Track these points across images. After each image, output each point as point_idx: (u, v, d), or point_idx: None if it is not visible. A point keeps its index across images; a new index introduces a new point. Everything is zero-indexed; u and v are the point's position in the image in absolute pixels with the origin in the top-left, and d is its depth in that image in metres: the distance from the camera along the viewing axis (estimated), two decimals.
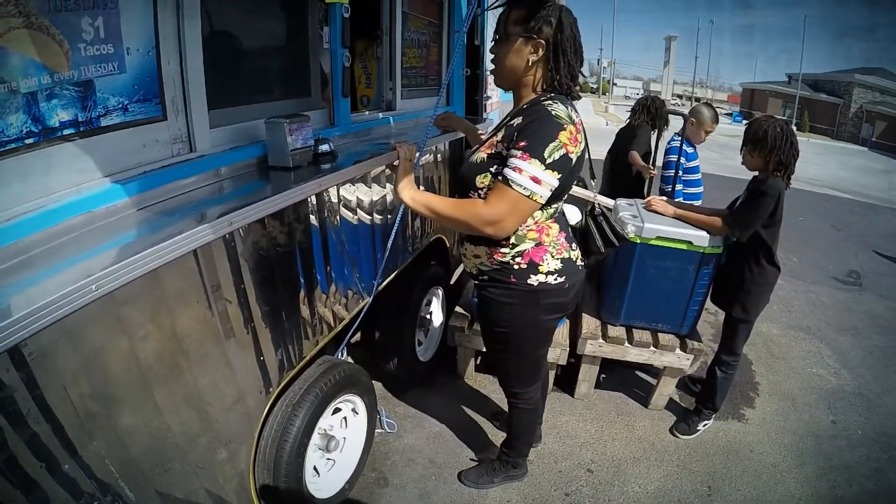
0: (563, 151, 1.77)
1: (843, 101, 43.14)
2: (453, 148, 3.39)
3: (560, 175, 1.80)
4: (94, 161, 1.52)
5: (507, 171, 1.78)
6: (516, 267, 2.03)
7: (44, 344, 1.13)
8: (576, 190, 3.26)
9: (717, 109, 4.46)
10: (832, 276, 6.61)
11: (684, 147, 4.12)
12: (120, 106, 1.58)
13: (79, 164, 1.48)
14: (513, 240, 2.00)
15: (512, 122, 1.91)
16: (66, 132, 1.43)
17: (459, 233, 2.25)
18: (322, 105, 2.63)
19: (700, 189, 4.34)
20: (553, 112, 1.79)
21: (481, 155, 1.96)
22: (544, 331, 2.27)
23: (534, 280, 2.04)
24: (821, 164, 20.39)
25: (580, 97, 2.01)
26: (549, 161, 1.76)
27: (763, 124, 2.82)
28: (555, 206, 2.02)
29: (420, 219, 3.09)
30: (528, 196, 1.78)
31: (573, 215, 2.34)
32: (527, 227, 1.99)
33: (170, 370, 1.51)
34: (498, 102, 5.73)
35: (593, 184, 2.64)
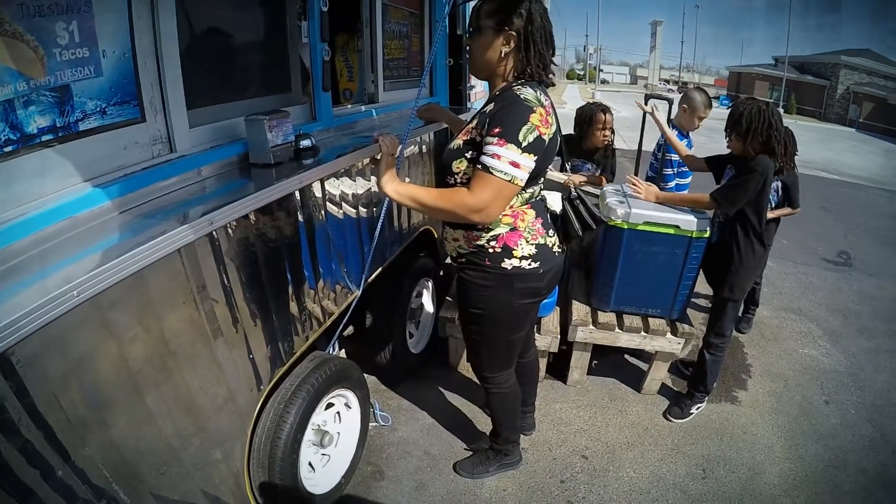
0: (536, 133, 1.82)
1: (829, 83, 43.23)
2: (438, 139, 3.39)
3: (535, 157, 1.85)
4: (75, 166, 1.52)
5: (485, 158, 1.82)
6: (491, 250, 2.07)
7: (31, 351, 1.13)
8: (553, 174, 3.27)
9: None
10: (822, 256, 6.65)
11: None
12: (98, 109, 1.57)
13: (59, 170, 1.48)
14: (489, 224, 2.03)
15: (485, 109, 1.97)
16: (44, 138, 1.44)
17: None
18: (303, 100, 2.62)
19: (688, 181, 4.20)
20: (522, 96, 1.85)
21: (458, 142, 2.01)
22: (518, 315, 2.29)
23: (507, 264, 2.08)
24: (808, 145, 20.41)
25: (554, 84, 2.06)
26: (524, 144, 1.80)
27: (740, 107, 2.87)
28: (530, 190, 2.07)
29: (407, 211, 3.09)
30: (509, 181, 1.81)
31: (555, 202, 2.36)
32: (502, 212, 2.02)
33: (159, 372, 1.50)
34: (482, 92, 5.70)
35: (568, 167, 2.65)
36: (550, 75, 2.01)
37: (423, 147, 3.23)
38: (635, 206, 3.11)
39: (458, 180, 1.99)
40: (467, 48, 2.06)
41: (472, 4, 2.14)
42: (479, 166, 1.84)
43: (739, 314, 4.36)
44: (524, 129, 1.80)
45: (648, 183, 3.38)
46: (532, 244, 2.08)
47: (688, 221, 3.03)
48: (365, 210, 2.60)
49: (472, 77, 4.43)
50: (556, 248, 2.20)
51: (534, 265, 2.10)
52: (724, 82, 61.25)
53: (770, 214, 3.54)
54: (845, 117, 40.51)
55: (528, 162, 1.83)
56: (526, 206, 2.08)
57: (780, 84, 44.21)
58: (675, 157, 4.00)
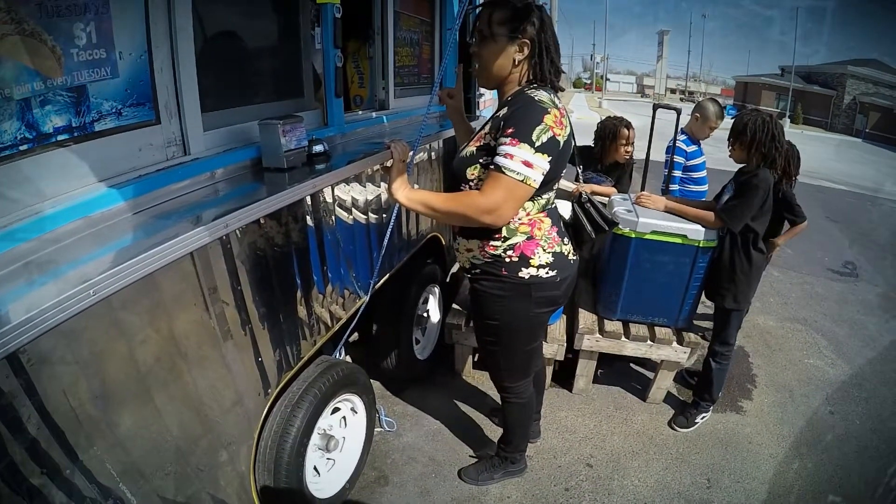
0: (550, 134, 1.81)
1: (836, 93, 43.22)
2: (447, 146, 3.39)
3: (550, 157, 1.83)
4: (89, 166, 1.53)
5: (498, 158, 1.81)
6: (508, 260, 2.05)
7: (42, 350, 1.13)
8: (563, 183, 3.28)
9: None
10: (828, 267, 6.64)
11: (683, 146, 4.09)
12: (113, 110, 1.58)
13: (74, 170, 1.49)
14: (504, 233, 2.02)
15: (498, 114, 1.96)
16: (60, 138, 1.44)
17: (453, 228, 2.26)
18: (315, 105, 2.63)
19: (704, 188, 4.26)
20: (536, 98, 1.85)
21: (471, 148, 2.00)
22: (536, 324, 2.29)
23: (525, 273, 2.06)
24: (814, 155, 20.40)
25: (563, 89, 2.07)
26: (537, 144, 1.79)
27: (744, 117, 2.91)
28: (546, 196, 2.06)
29: (415, 217, 3.09)
30: (521, 181, 1.80)
31: (565, 210, 2.35)
32: (519, 220, 2.01)
33: (169, 373, 1.51)
34: (491, 99, 5.72)
35: (579, 170, 2.65)
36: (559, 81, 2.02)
37: (433, 154, 3.24)
38: (643, 215, 3.12)
39: (473, 186, 1.97)
40: (473, 55, 2.02)
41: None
42: (492, 167, 1.83)
43: None
44: (538, 129, 1.79)
45: (654, 195, 3.40)
46: (549, 252, 2.07)
47: (695, 231, 3.03)
48: (374, 216, 2.60)
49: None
50: (571, 256, 2.19)
51: (551, 273, 2.08)
52: (730, 92, 61.20)
53: (780, 241, 3.59)
54: (852, 127, 40.52)
55: (542, 162, 1.81)
56: (542, 214, 2.06)
57: (786, 94, 44.16)
58: (680, 159, 4.07)
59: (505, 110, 1.91)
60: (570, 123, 1.96)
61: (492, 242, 2.05)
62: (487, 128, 1.97)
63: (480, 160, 1.94)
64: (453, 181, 2.09)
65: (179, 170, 1.78)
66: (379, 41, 3.16)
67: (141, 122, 1.68)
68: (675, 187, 4.17)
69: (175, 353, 1.52)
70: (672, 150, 3.99)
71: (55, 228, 1.40)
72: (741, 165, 3.00)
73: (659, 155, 4.27)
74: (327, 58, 2.49)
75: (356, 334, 3.21)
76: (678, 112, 3.91)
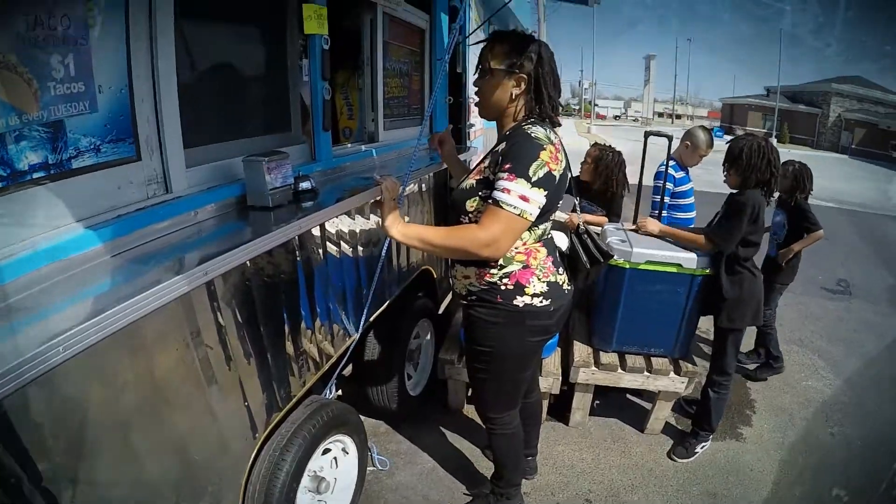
0: (546, 169, 1.86)
1: (821, 111, 43.93)
2: (437, 178, 3.37)
3: (546, 192, 1.88)
4: (66, 205, 1.48)
5: (496, 193, 1.84)
6: (503, 287, 2.06)
7: (14, 405, 1.07)
8: (558, 214, 3.27)
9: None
10: (821, 286, 6.65)
11: (672, 171, 4.08)
12: (92, 147, 1.54)
13: (50, 209, 1.44)
14: (501, 261, 2.04)
15: (497, 149, 2.00)
16: (35, 175, 1.39)
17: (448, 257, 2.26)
18: (302, 139, 2.60)
19: (692, 214, 4.28)
20: (532, 134, 1.90)
21: (470, 181, 2.03)
22: (528, 352, 2.27)
23: (519, 301, 2.06)
24: None
25: (560, 124, 2.12)
26: (534, 179, 1.83)
27: (740, 142, 2.93)
28: (542, 227, 2.09)
29: (406, 251, 3.06)
30: (518, 214, 1.83)
31: (561, 241, 2.34)
32: (515, 249, 2.03)
33: (151, 423, 1.45)
34: (482, 129, 5.75)
35: (576, 201, 2.63)
36: (557, 117, 2.07)
37: (423, 185, 3.21)
38: (637, 244, 3.10)
39: (472, 219, 2.00)
40: (475, 89, 2.09)
41: (469, 41, 2.15)
42: (490, 201, 1.86)
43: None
44: (534, 164, 1.83)
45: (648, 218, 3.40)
46: (544, 281, 2.08)
47: (690, 259, 3.02)
48: (363, 251, 2.56)
49: (471, 115, 4.45)
50: (565, 286, 2.20)
51: (545, 302, 2.09)
52: (717, 114, 62.02)
53: (796, 247, 3.99)
54: (838, 144, 41.16)
55: (538, 197, 1.85)
56: (538, 244, 2.08)
57: (772, 114, 44.81)
58: (669, 185, 4.10)
59: (503, 145, 1.96)
60: (566, 157, 2.01)
61: (489, 270, 2.07)
62: (487, 162, 2.02)
63: (480, 193, 1.97)
64: (454, 213, 2.12)
65: (160, 209, 1.74)
66: (368, 72, 3.15)
67: (121, 158, 1.64)
68: (665, 213, 4.17)
69: (158, 400, 1.46)
70: (664, 175, 3.99)
71: (31, 271, 1.35)
72: (732, 191, 2.99)
73: (649, 180, 4.26)
74: (315, 90, 2.47)
75: (350, 368, 3.15)
76: (669, 139, 3.91)
